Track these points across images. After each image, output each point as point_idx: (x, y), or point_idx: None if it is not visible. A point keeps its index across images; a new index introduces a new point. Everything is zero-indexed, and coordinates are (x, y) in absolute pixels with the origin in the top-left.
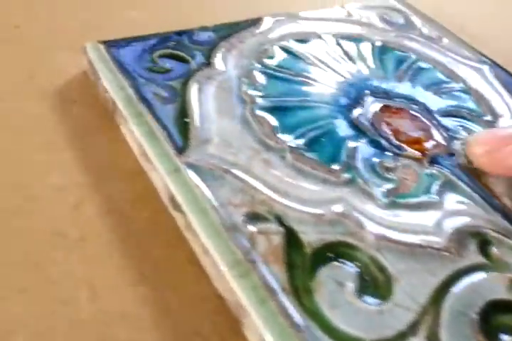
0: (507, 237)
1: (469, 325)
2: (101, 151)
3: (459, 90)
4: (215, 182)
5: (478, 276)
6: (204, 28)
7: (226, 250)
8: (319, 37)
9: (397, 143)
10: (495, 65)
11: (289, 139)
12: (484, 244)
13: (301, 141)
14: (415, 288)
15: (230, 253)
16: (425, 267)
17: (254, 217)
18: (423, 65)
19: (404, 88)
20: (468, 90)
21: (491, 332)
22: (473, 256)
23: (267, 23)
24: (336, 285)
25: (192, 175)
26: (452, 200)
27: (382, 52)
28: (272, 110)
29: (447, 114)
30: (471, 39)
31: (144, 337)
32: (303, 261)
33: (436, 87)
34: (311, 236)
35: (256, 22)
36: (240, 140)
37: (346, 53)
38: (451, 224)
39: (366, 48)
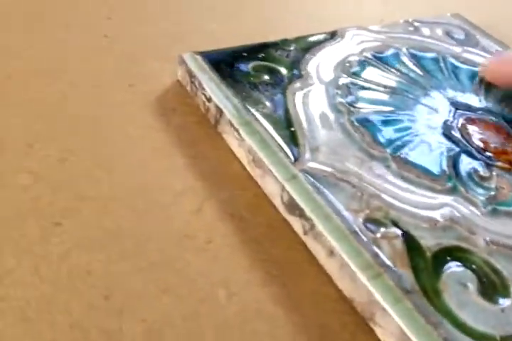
0: None
1: None
2: (208, 158)
3: None
4: (332, 189)
5: None
6: (286, 41)
7: (355, 253)
8: (395, 50)
9: (488, 154)
10: None
11: (389, 149)
12: None
13: (401, 151)
14: None
15: (359, 257)
16: None
17: (373, 222)
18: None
19: (481, 101)
20: None
21: None
22: None
23: (346, 36)
24: (459, 286)
25: (309, 181)
26: None
27: (454, 65)
28: (368, 121)
29: None
30: None
31: (280, 331)
32: (425, 264)
33: (509, 100)
34: (429, 241)
35: (333, 35)
36: (345, 149)
37: (422, 66)
38: None
39: (439, 62)
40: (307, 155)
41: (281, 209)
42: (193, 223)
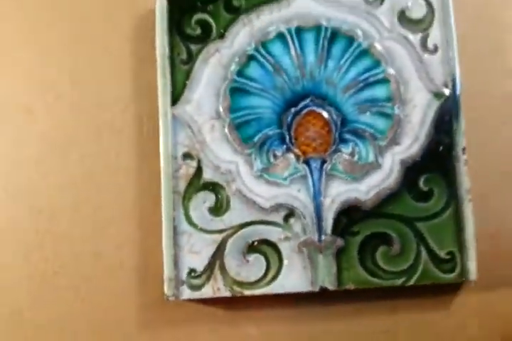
0: None
1: None
2: None
3: (392, 113)
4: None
5: None
6: None
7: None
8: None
9: (294, 140)
10: None
11: (233, 116)
12: None
13: (240, 120)
14: None
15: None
16: None
17: (188, 156)
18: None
19: (341, 100)
20: (395, 114)
21: None
22: None
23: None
24: (202, 202)
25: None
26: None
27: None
28: (237, 90)
29: (354, 130)
30: None
31: None
32: (194, 189)
33: (369, 105)
34: (208, 175)
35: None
36: (207, 108)
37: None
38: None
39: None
40: (181, 104)
41: None
42: None
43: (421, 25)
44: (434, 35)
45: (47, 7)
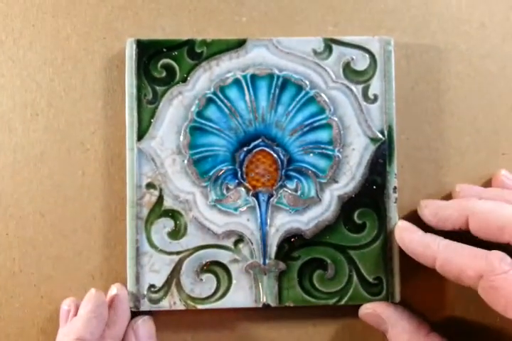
0: None
1: None
2: None
3: (332, 155)
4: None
5: None
6: (203, 42)
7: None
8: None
9: (245, 176)
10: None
11: (192, 152)
12: None
13: (198, 156)
14: None
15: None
16: None
17: (150, 186)
18: (322, 123)
19: (288, 141)
20: (335, 156)
21: None
22: None
23: (250, 51)
24: (162, 228)
25: (136, 156)
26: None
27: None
28: (196, 129)
29: (299, 169)
30: None
31: None
32: (152, 217)
33: (313, 147)
34: (168, 203)
35: (241, 44)
36: (169, 144)
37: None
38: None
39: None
40: (146, 139)
41: None
42: None
43: (363, 76)
44: (375, 86)
45: (30, 33)
